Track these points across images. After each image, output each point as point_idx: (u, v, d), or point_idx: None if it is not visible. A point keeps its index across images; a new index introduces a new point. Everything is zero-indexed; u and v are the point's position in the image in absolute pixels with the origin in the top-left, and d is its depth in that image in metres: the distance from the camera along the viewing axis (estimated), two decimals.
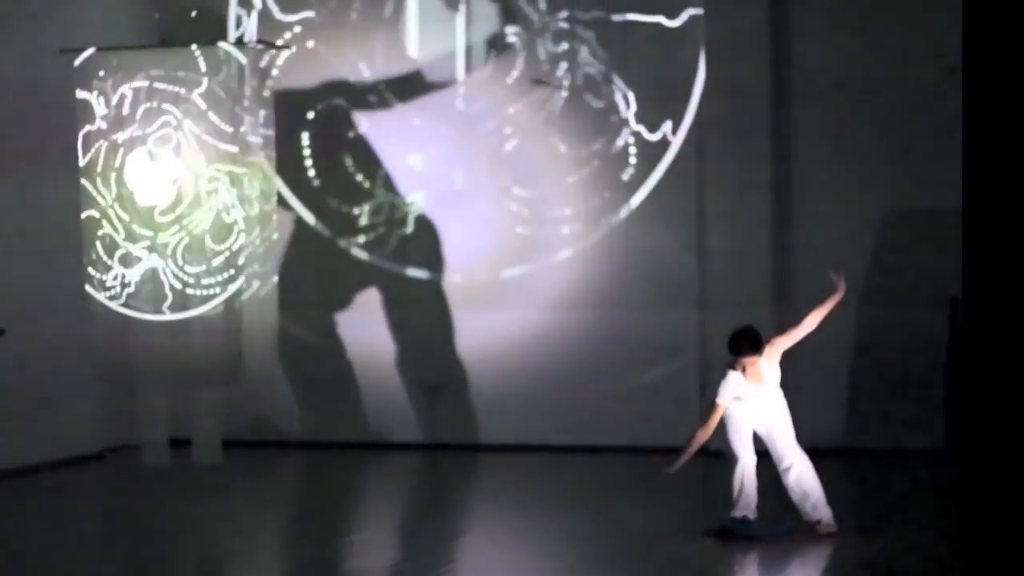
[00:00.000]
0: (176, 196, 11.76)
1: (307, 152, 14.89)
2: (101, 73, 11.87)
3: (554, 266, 14.56)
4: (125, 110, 11.79)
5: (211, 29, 14.38)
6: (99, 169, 11.97)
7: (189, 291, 11.77)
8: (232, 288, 11.70)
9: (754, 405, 10.11)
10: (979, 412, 6.54)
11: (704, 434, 10.08)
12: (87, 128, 12.02)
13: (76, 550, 10.43)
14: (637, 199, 14.38)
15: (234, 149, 11.58)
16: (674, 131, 14.24)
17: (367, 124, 14.89)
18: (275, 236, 11.85)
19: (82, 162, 11.91)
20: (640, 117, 14.33)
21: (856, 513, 10.95)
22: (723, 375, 10.08)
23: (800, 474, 10.12)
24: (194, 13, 14.92)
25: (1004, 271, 6.45)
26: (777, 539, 10.09)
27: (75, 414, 13.62)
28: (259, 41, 13.98)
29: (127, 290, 11.89)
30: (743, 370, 10.01)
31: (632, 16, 14.34)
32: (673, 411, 14.16)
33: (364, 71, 14.89)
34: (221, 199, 11.63)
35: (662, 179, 14.31)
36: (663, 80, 14.28)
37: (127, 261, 11.87)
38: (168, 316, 11.84)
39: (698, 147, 14.21)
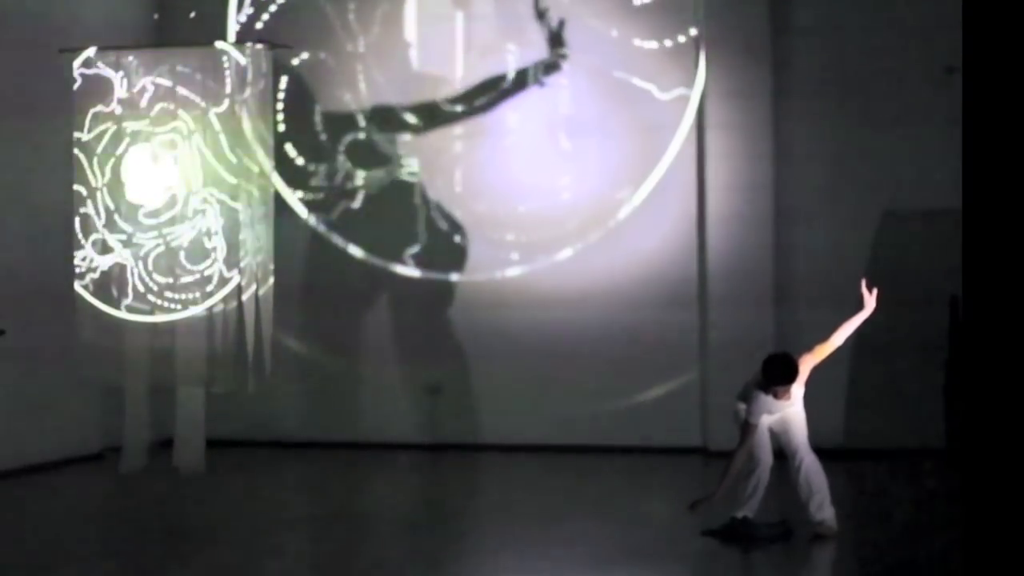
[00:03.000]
0: (165, 203, 11.67)
1: (281, 96, 14.82)
2: (129, 58, 11.76)
3: (554, 266, 14.56)
4: (143, 102, 11.68)
5: (211, 29, 14.38)
6: (99, 150, 11.82)
7: (151, 297, 11.67)
8: (194, 310, 11.58)
9: (777, 414, 10.13)
10: (980, 412, 6.53)
11: (741, 456, 10.02)
12: (99, 107, 11.85)
13: (76, 550, 10.42)
14: (638, 199, 14.38)
15: (234, 180, 11.48)
16: (632, 194, 14.29)
17: (349, 94, 14.89)
18: (262, 257, 11.71)
19: (85, 137, 11.79)
20: (605, 178, 14.38)
21: (856, 513, 10.95)
22: (752, 394, 9.99)
23: (809, 472, 10.10)
24: (193, 13, 14.94)
25: (1004, 271, 6.45)
26: (777, 539, 10.09)
27: (75, 414, 13.61)
28: (260, 41, 13.96)
29: (91, 275, 11.80)
30: (775, 394, 9.97)
31: (630, 77, 14.33)
32: (673, 410, 14.19)
33: (360, 44, 14.89)
34: (207, 223, 11.53)
35: (662, 179, 14.32)
36: (641, 143, 14.30)
37: (100, 247, 11.78)
38: (124, 314, 11.73)
39: (698, 146, 14.22)
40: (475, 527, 11.43)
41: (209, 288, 11.51)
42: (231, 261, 11.44)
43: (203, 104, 11.46)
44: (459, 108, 14.68)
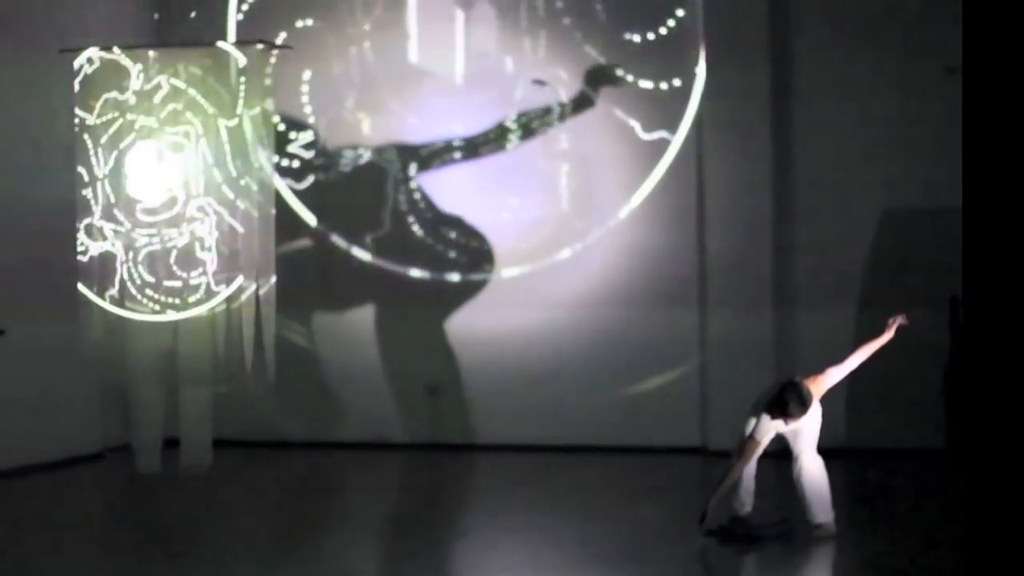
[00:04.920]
0: (163, 203, 11.63)
1: (271, 61, 14.80)
2: (151, 54, 11.71)
3: (554, 266, 14.56)
4: (156, 99, 11.63)
5: (211, 29, 14.38)
6: (106, 137, 11.76)
7: (135, 293, 11.65)
8: (197, 311, 11.55)
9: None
10: (979, 412, 6.54)
11: (741, 467, 10.00)
12: (113, 94, 11.76)
13: (76, 550, 10.42)
14: (637, 199, 14.38)
15: (234, 198, 11.42)
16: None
17: (339, 66, 14.89)
18: (259, 264, 11.63)
19: (92, 121, 11.73)
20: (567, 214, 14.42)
21: (856, 513, 10.96)
22: (760, 416, 9.95)
23: (810, 475, 10.09)
24: (193, 13, 14.93)
25: (1004, 271, 6.45)
26: (776, 540, 10.09)
27: (75, 414, 13.61)
28: (260, 41, 13.95)
29: (80, 258, 11.78)
30: (785, 421, 9.94)
31: (619, 112, 14.38)
32: (673, 411, 14.19)
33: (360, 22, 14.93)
34: (202, 231, 11.48)
35: (662, 179, 14.32)
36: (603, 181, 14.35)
37: (92, 233, 11.75)
38: (108, 305, 11.69)
39: (698, 147, 14.22)
40: (474, 527, 11.43)
41: (195, 298, 11.46)
42: (221, 275, 11.39)
43: (214, 113, 11.42)
44: (460, 154, 14.71)
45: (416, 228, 14.81)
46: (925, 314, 13.26)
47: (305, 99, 14.93)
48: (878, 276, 13.84)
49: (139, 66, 11.59)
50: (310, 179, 14.91)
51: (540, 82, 14.54)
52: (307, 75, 14.90)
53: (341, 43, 14.91)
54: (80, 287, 11.73)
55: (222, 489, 12.47)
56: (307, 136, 14.92)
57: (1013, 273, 6.45)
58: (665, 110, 14.28)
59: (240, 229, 11.33)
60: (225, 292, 11.42)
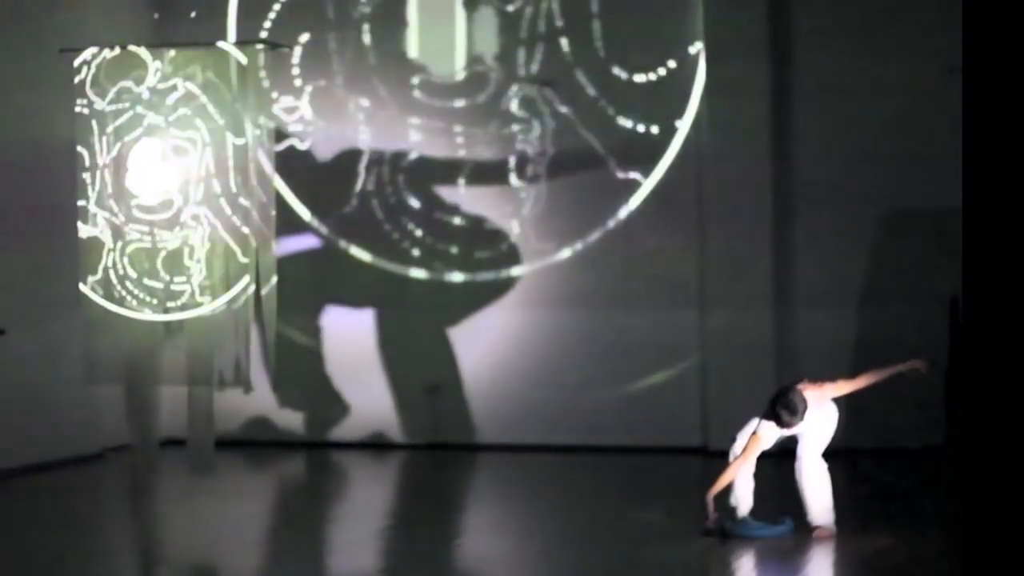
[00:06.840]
0: (160, 204, 11.61)
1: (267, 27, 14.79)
2: (171, 54, 11.69)
3: (554, 266, 14.56)
4: (170, 99, 11.59)
5: (211, 30, 14.38)
6: (114, 125, 11.72)
7: (117, 283, 11.62)
8: (179, 315, 11.52)
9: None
10: (980, 412, 6.54)
11: (740, 465, 10.00)
12: (128, 83, 11.71)
13: (76, 550, 10.42)
14: (637, 199, 14.38)
15: (231, 214, 11.39)
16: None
17: (335, 41, 14.87)
18: (242, 302, 11.59)
19: (101, 106, 11.68)
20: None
21: (856, 513, 10.96)
22: (761, 420, 9.96)
23: (810, 480, 10.11)
24: (193, 13, 14.93)
25: (1004, 271, 6.46)
26: (776, 540, 10.09)
27: (75, 414, 13.61)
28: (261, 41, 13.96)
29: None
30: (783, 428, 9.97)
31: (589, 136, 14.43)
32: (673, 411, 14.19)
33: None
34: (194, 239, 11.45)
35: (662, 179, 14.32)
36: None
37: (85, 216, 11.72)
38: (130, 313, 11.67)
39: (698, 147, 14.21)
40: (473, 527, 11.43)
41: (178, 303, 11.43)
42: (206, 286, 11.36)
43: (224, 126, 11.39)
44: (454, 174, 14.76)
45: (379, 212, 14.79)
46: (925, 314, 13.31)
47: (295, 69, 14.88)
48: (878, 276, 13.83)
49: (157, 63, 11.57)
50: (285, 143, 14.86)
51: (546, 84, 14.51)
52: (302, 39, 14.83)
53: (340, 19, 14.87)
54: (80, 287, 11.73)
55: (222, 489, 12.48)
56: (290, 100, 14.88)
57: (1013, 273, 6.45)
58: (648, 150, 14.28)
59: (237, 251, 11.32)
60: (223, 297, 11.42)
